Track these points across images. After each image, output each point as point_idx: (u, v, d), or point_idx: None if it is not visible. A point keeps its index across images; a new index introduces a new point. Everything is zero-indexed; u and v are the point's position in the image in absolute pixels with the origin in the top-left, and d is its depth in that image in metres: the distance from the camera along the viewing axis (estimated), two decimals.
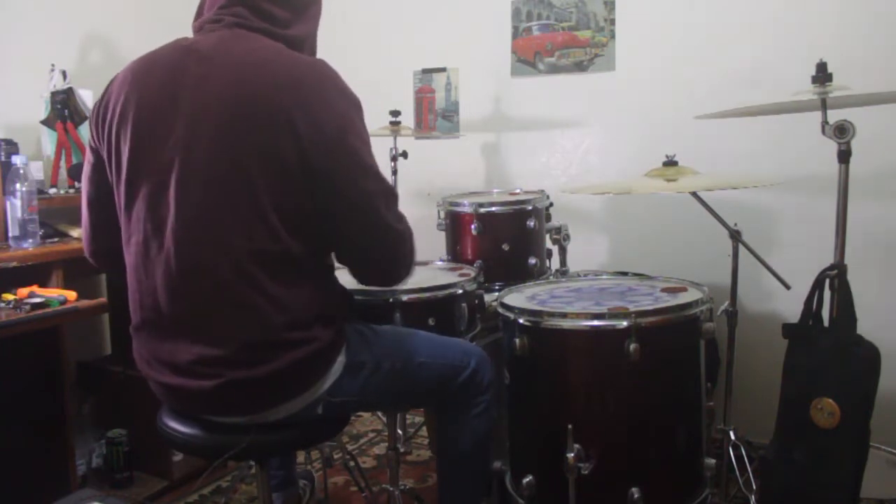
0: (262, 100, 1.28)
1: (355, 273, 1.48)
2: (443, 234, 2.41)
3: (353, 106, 1.36)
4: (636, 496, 1.52)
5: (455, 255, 2.35)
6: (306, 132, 1.28)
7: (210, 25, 1.39)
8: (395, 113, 2.58)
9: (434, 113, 3.15)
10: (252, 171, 1.28)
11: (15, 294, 1.75)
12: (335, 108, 1.32)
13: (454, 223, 2.35)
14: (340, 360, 1.43)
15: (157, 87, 1.34)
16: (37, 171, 2.25)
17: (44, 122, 2.32)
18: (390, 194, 1.41)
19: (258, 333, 1.32)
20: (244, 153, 1.28)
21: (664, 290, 1.77)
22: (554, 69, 2.86)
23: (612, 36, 2.74)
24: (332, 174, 1.32)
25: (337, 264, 1.49)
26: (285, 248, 1.31)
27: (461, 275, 1.99)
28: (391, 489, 1.97)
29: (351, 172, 1.33)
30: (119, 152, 1.36)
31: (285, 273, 1.33)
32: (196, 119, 1.30)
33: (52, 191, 2.29)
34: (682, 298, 1.66)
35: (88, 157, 1.48)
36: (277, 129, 1.27)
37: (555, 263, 2.44)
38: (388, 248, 1.43)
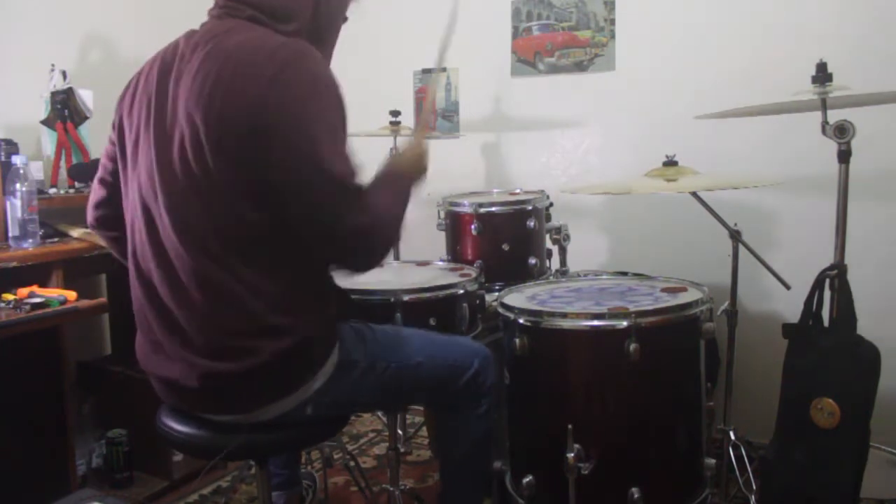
0: (226, 89, 1.25)
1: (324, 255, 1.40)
2: (443, 234, 2.41)
3: (324, 91, 1.29)
4: (636, 496, 1.52)
5: (455, 255, 2.35)
6: (272, 119, 1.23)
7: (210, 17, 1.42)
8: (395, 113, 2.58)
9: (434, 113, 3.15)
10: (222, 157, 1.26)
11: (15, 294, 1.74)
12: (296, 92, 1.25)
13: (454, 223, 2.35)
14: (332, 358, 1.41)
15: (153, 79, 1.37)
16: (37, 171, 2.25)
17: (44, 122, 2.32)
18: (346, 185, 1.30)
19: (242, 320, 1.31)
20: (214, 139, 1.25)
21: (664, 290, 1.77)
22: (554, 69, 2.86)
23: (612, 36, 2.74)
24: (285, 158, 1.25)
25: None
26: (260, 233, 1.29)
27: (462, 275, 1.99)
28: (391, 489, 1.97)
29: (304, 158, 1.25)
30: (125, 140, 1.41)
31: (262, 259, 1.31)
32: (173, 110, 1.31)
33: (52, 191, 2.29)
34: (682, 298, 1.66)
35: (111, 137, 1.50)
36: (245, 118, 1.24)
37: (555, 263, 2.44)
38: (343, 239, 1.33)
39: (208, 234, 1.30)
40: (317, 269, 1.44)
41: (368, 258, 1.40)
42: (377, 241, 1.38)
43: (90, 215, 1.59)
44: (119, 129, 1.44)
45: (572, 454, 1.49)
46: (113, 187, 1.50)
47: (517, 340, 1.60)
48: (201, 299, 1.31)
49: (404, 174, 1.52)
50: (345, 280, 1.55)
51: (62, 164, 2.32)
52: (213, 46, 1.31)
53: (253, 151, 1.25)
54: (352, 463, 2.28)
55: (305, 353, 1.37)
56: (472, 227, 2.25)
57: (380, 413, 2.75)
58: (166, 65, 1.36)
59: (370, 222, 1.33)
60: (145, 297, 1.38)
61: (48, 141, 2.34)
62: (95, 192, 1.57)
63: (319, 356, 1.40)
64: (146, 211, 1.36)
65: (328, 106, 1.29)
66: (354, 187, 1.31)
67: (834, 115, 1.68)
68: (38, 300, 1.72)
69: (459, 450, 1.66)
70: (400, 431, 2.41)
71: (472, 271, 2.04)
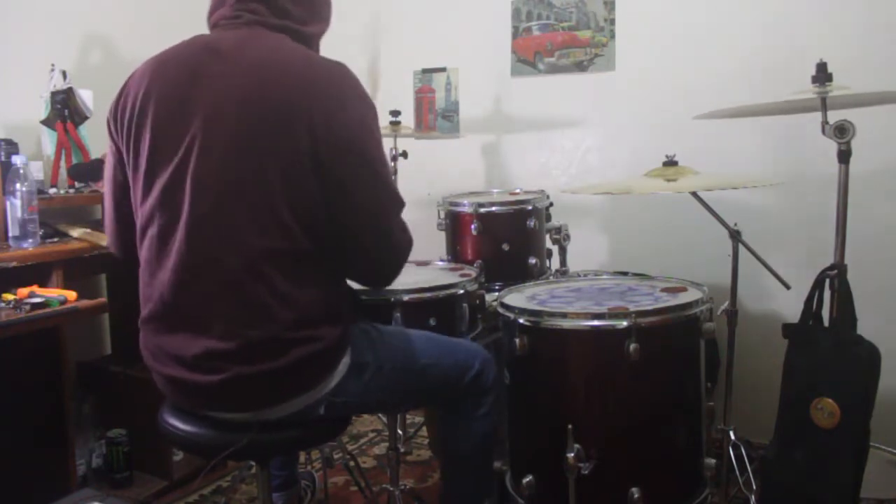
0: (280, 100, 1.29)
1: (349, 271, 1.49)
2: (443, 234, 2.41)
3: (370, 111, 1.38)
4: (636, 496, 1.52)
5: (455, 255, 2.35)
6: (322, 134, 1.29)
7: (229, 22, 1.40)
8: (395, 113, 2.58)
9: (434, 113, 3.15)
10: (268, 170, 1.29)
11: (15, 294, 1.74)
12: (351, 112, 1.34)
13: (454, 223, 2.35)
14: (345, 360, 1.42)
15: (176, 83, 1.35)
16: (37, 171, 2.24)
17: (44, 122, 2.32)
18: (399, 202, 1.43)
19: (265, 330, 1.32)
20: (260, 152, 1.29)
21: (664, 290, 1.77)
22: (554, 69, 2.86)
23: (612, 36, 2.74)
24: (344, 178, 1.33)
25: None
26: (297, 247, 1.32)
27: (462, 275, 1.99)
28: (391, 489, 1.98)
29: (363, 177, 1.35)
30: (138, 147, 1.37)
31: (296, 271, 1.34)
32: (213, 116, 1.31)
33: (52, 191, 2.29)
34: (682, 298, 1.66)
35: (110, 152, 1.48)
36: (294, 130, 1.28)
37: (555, 263, 2.44)
38: (390, 255, 1.46)
39: (251, 245, 1.30)
40: (341, 281, 1.49)
41: (398, 267, 1.50)
42: (399, 261, 1.49)
43: (113, 241, 1.55)
44: (128, 137, 1.39)
45: (572, 454, 1.49)
46: (128, 202, 1.45)
47: (517, 340, 1.60)
48: (230, 306, 1.32)
49: None
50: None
51: (62, 164, 2.32)
52: (254, 56, 1.33)
53: (316, 164, 1.30)
54: (352, 463, 2.28)
55: (323, 357, 1.39)
56: (472, 227, 2.25)
57: (380, 413, 2.75)
58: (189, 70, 1.34)
59: (406, 238, 1.47)
60: (161, 296, 1.36)
61: (48, 141, 2.34)
62: (110, 211, 1.52)
63: (334, 359, 1.41)
64: (172, 218, 1.33)
65: (376, 121, 1.40)
66: (401, 198, 1.44)
67: (834, 115, 1.68)
68: (38, 300, 1.72)
69: (461, 450, 1.66)
70: (400, 431, 2.41)
71: (472, 271, 2.04)
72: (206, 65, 1.34)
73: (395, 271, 1.50)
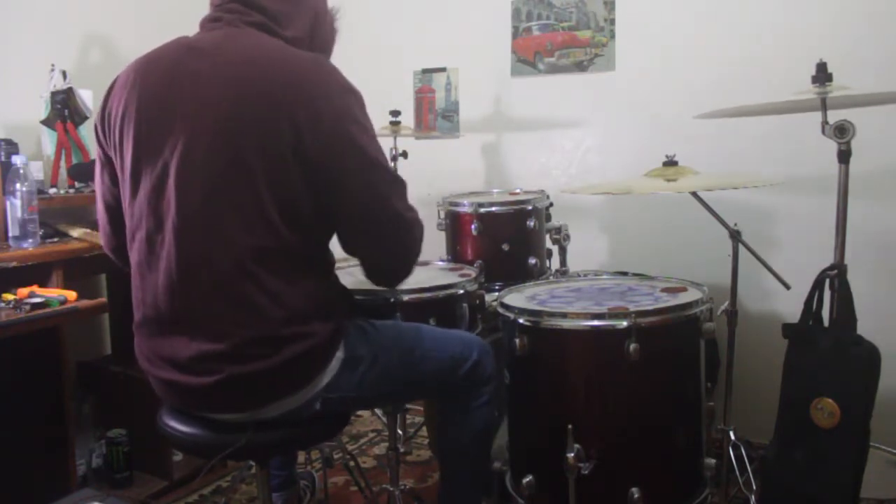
0: (262, 96, 1.29)
1: (367, 267, 1.48)
2: (443, 234, 2.41)
3: (354, 98, 1.37)
4: (636, 496, 1.52)
5: (455, 255, 2.35)
6: (307, 126, 1.29)
7: (210, 24, 1.41)
8: (395, 113, 2.58)
9: (434, 113, 3.15)
10: (252, 168, 1.29)
11: (15, 294, 1.74)
12: (335, 101, 1.33)
13: (454, 223, 2.35)
14: (338, 355, 1.42)
15: (157, 85, 1.35)
16: (37, 171, 2.25)
17: (44, 122, 2.32)
18: (398, 183, 1.42)
19: (256, 329, 1.32)
20: (244, 149, 1.29)
21: (664, 290, 1.77)
22: (554, 69, 2.86)
23: (612, 36, 2.74)
24: (335, 167, 1.33)
25: (338, 263, 1.49)
26: (285, 244, 1.32)
27: (462, 275, 1.99)
28: (391, 489, 1.98)
29: (355, 165, 1.34)
30: (123, 150, 1.38)
31: (284, 269, 1.34)
32: (195, 116, 1.31)
33: (52, 191, 2.29)
34: (682, 298, 1.66)
35: (98, 157, 1.49)
36: (277, 126, 1.28)
37: (555, 263, 2.44)
38: (400, 238, 1.44)
39: (238, 244, 1.30)
40: (332, 277, 1.48)
41: (414, 251, 1.48)
42: (416, 240, 1.47)
43: (107, 243, 1.57)
44: (113, 142, 1.40)
45: (572, 454, 1.49)
46: (119, 205, 1.46)
47: (517, 340, 1.60)
48: (221, 307, 1.32)
49: None
50: (347, 279, 1.56)
51: (62, 164, 2.32)
52: (233, 53, 1.33)
53: (302, 160, 1.30)
54: (352, 463, 2.28)
55: (316, 353, 1.39)
56: (472, 227, 2.25)
57: (380, 413, 2.75)
58: (170, 71, 1.35)
59: (414, 217, 1.44)
60: (154, 300, 1.37)
61: (48, 141, 2.34)
62: (102, 215, 1.54)
63: (326, 354, 1.41)
64: (159, 220, 1.34)
65: (362, 108, 1.38)
66: (401, 179, 1.42)
67: (834, 115, 1.68)
68: (38, 300, 1.72)
69: (461, 441, 1.66)
70: (400, 431, 2.41)
71: (472, 271, 2.04)
72: (186, 65, 1.34)
73: (412, 255, 1.49)
